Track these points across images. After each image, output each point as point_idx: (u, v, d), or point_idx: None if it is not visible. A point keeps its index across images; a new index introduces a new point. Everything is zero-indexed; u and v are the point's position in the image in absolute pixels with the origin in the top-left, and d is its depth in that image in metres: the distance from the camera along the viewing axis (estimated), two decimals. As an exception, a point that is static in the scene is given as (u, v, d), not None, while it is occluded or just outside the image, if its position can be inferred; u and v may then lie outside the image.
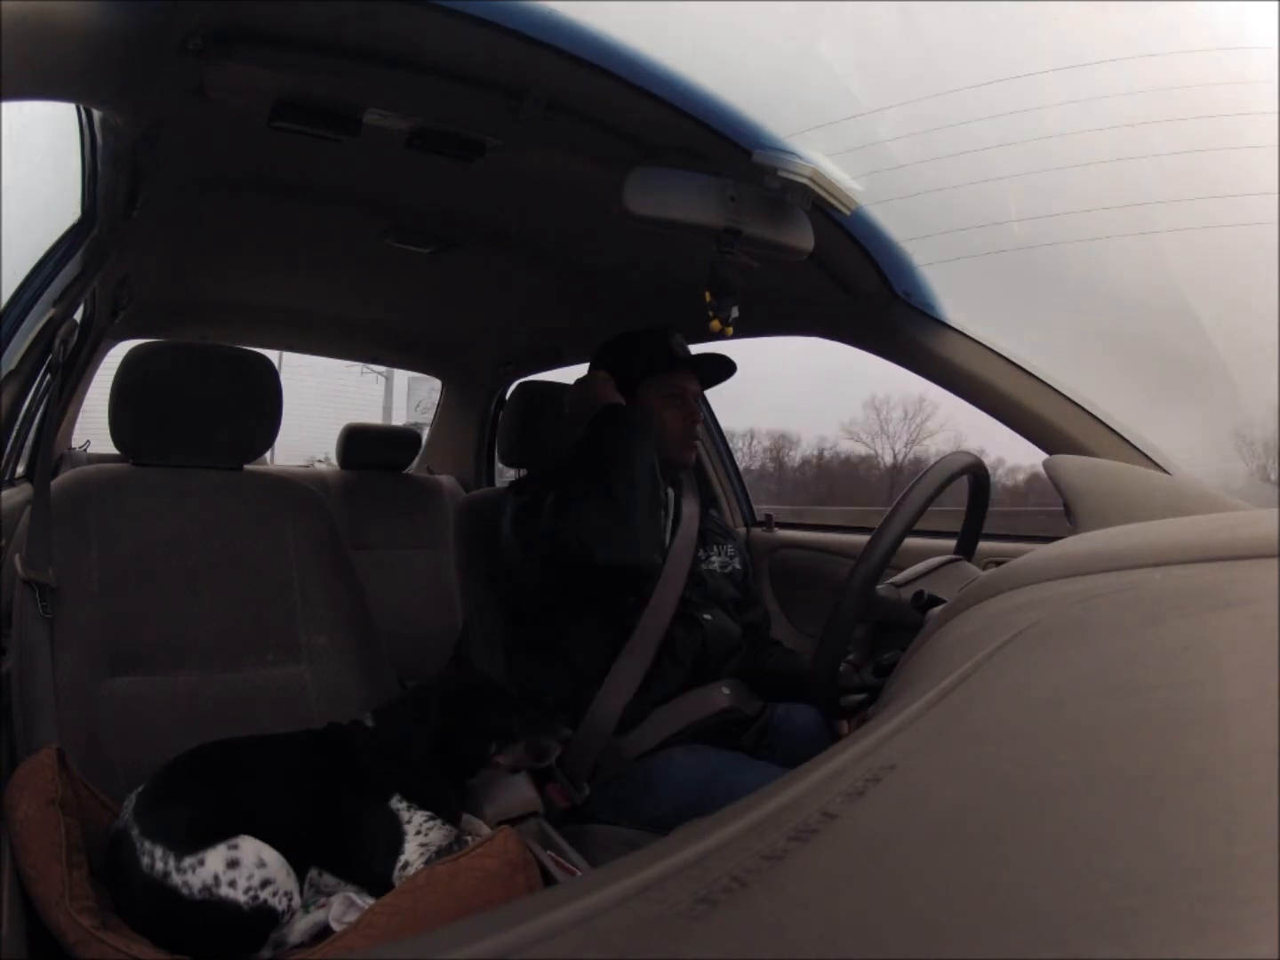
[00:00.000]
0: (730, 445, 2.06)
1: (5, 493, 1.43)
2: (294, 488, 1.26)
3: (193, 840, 0.81)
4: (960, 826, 0.24)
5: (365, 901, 0.85)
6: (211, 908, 0.79)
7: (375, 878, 0.87)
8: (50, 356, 1.15)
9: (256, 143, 1.09)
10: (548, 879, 0.90)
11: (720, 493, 1.97)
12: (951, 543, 1.04)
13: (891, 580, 0.90)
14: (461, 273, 1.70)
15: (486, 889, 0.81)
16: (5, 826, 0.80)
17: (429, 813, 0.91)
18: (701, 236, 1.00)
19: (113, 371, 1.17)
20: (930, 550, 1.02)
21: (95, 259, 1.13)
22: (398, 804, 0.91)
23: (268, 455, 2.30)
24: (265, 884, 0.80)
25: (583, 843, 1.12)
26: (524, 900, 0.24)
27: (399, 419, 6.00)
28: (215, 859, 0.80)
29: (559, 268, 1.63)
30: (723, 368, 1.41)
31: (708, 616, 1.29)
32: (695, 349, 1.40)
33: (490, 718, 0.98)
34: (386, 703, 1.02)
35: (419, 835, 0.90)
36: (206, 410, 1.19)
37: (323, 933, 0.85)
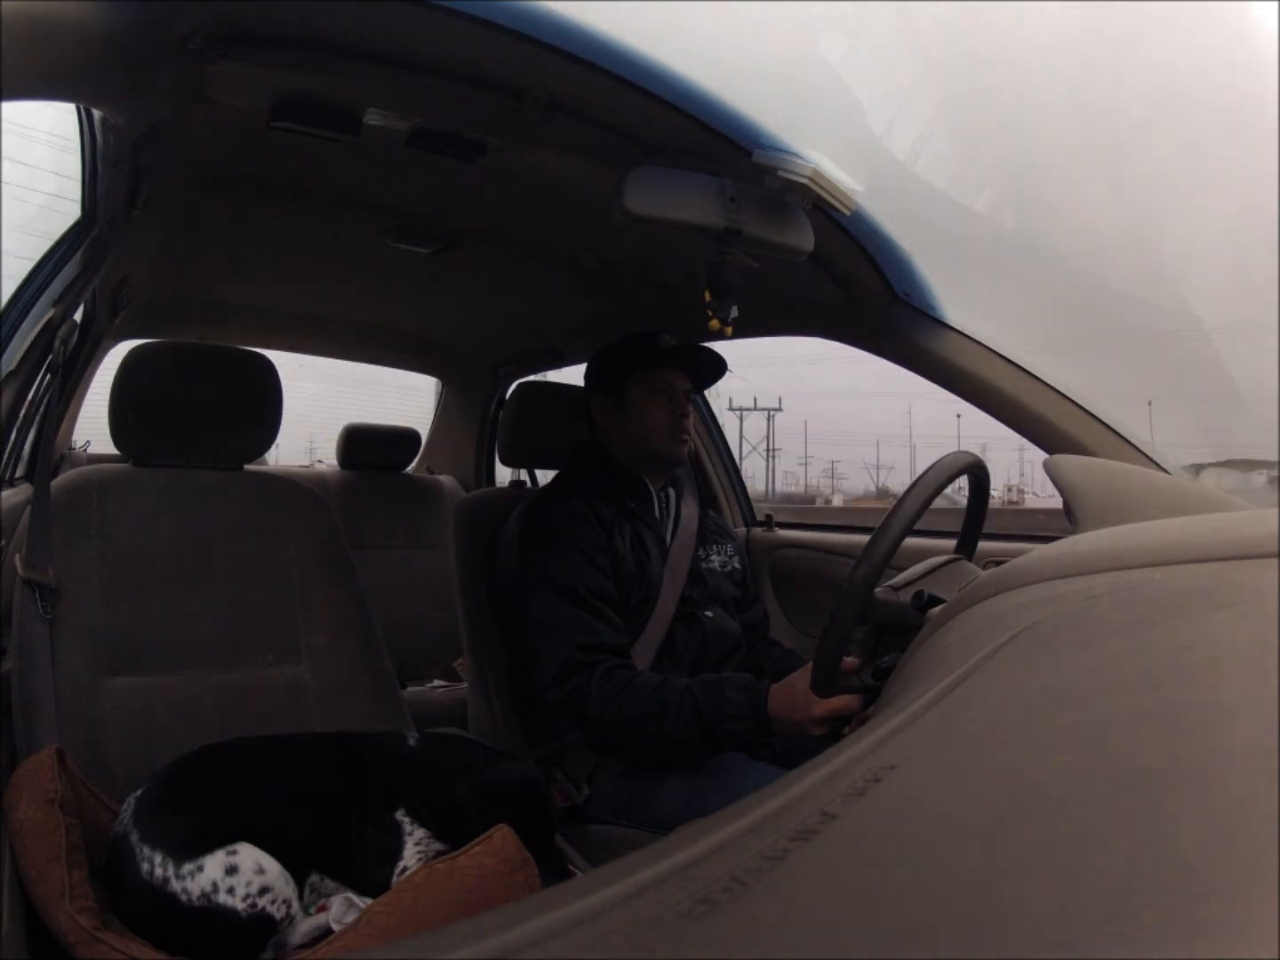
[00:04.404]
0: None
1: (5, 493, 1.43)
2: (294, 488, 1.26)
3: (191, 846, 0.80)
4: (960, 826, 0.24)
5: (364, 902, 0.85)
6: (209, 915, 0.78)
7: (375, 882, 0.87)
8: (50, 356, 1.15)
9: (256, 143, 1.09)
10: (547, 878, 0.90)
11: (720, 492, 1.97)
12: (951, 543, 1.04)
13: (890, 582, 0.89)
14: (461, 273, 1.70)
15: (485, 888, 0.80)
16: (5, 826, 0.80)
17: (429, 831, 0.92)
18: (701, 236, 1.00)
19: (113, 371, 1.17)
20: (930, 550, 1.02)
21: (95, 259, 1.13)
22: (401, 817, 0.91)
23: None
24: (264, 891, 0.80)
25: (583, 843, 1.12)
26: (524, 900, 0.24)
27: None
28: (214, 865, 0.79)
29: (559, 268, 1.63)
30: (713, 365, 1.41)
31: (708, 614, 1.29)
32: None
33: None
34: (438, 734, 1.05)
35: (418, 846, 0.90)
36: (206, 410, 1.19)
37: (324, 935, 0.84)
